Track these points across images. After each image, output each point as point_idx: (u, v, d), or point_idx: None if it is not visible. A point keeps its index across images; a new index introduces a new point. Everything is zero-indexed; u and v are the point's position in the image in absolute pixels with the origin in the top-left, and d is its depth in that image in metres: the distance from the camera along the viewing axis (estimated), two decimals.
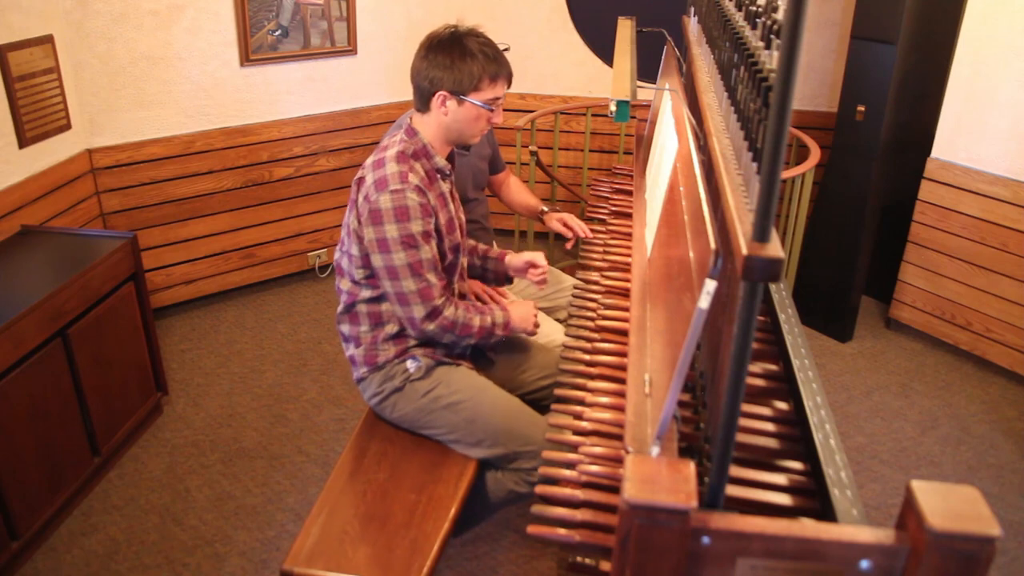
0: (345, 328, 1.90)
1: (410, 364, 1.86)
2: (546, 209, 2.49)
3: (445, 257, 1.85)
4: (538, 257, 2.08)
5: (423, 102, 1.78)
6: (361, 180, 1.77)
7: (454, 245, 1.88)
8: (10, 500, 2.10)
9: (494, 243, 2.39)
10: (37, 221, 2.75)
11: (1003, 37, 2.91)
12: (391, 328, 1.85)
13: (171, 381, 2.99)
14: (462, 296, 2.01)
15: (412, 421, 1.90)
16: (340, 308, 1.89)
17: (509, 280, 2.20)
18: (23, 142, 2.67)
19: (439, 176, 1.83)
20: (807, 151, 3.22)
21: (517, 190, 2.60)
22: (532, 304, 1.98)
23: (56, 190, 2.86)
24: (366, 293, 1.83)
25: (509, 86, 1.84)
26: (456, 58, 1.72)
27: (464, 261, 2.00)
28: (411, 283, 1.73)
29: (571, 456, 1.24)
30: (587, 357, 1.53)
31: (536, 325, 1.96)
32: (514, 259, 2.11)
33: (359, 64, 3.63)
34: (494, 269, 2.15)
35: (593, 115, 3.86)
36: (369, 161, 1.79)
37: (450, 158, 1.88)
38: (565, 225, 2.34)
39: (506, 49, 2.34)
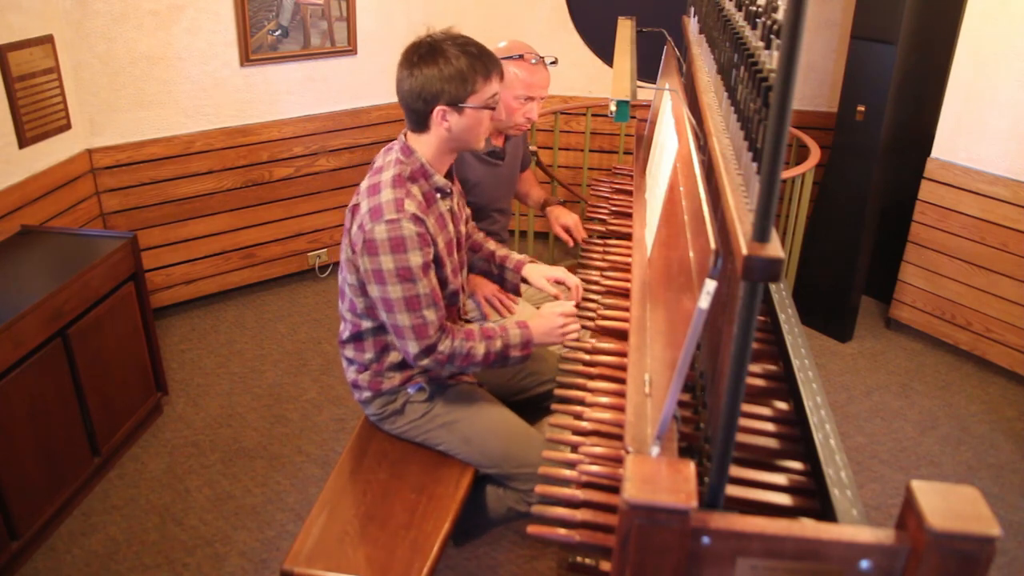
0: (349, 352, 1.84)
1: (411, 389, 1.84)
2: (550, 200, 2.47)
3: (447, 283, 1.74)
4: (560, 272, 1.93)
5: (420, 122, 1.67)
6: (356, 208, 1.67)
7: (456, 266, 1.78)
8: (10, 500, 2.10)
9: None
10: (37, 221, 2.75)
11: (1003, 37, 2.91)
12: (396, 356, 1.80)
13: (171, 381, 2.99)
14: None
15: (411, 437, 1.90)
16: (345, 335, 1.82)
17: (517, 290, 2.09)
18: (23, 142, 2.67)
19: (438, 196, 1.73)
20: (807, 151, 3.22)
21: (526, 180, 2.58)
22: (558, 311, 1.73)
23: (56, 190, 2.86)
24: (367, 324, 1.77)
25: (502, 78, 1.73)
26: (442, 66, 1.60)
27: (463, 282, 1.88)
28: (406, 318, 1.63)
29: (571, 456, 1.24)
30: (587, 357, 1.53)
31: (565, 334, 1.70)
32: (534, 274, 1.98)
33: (359, 64, 3.63)
34: (512, 280, 2.04)
35: (593, 115, 3.86)
36: (364, 186, 1.68)
37: (448, 174, 1.78)
38: (567, 231, 2.32)
39: (553, 62, 2.28)
